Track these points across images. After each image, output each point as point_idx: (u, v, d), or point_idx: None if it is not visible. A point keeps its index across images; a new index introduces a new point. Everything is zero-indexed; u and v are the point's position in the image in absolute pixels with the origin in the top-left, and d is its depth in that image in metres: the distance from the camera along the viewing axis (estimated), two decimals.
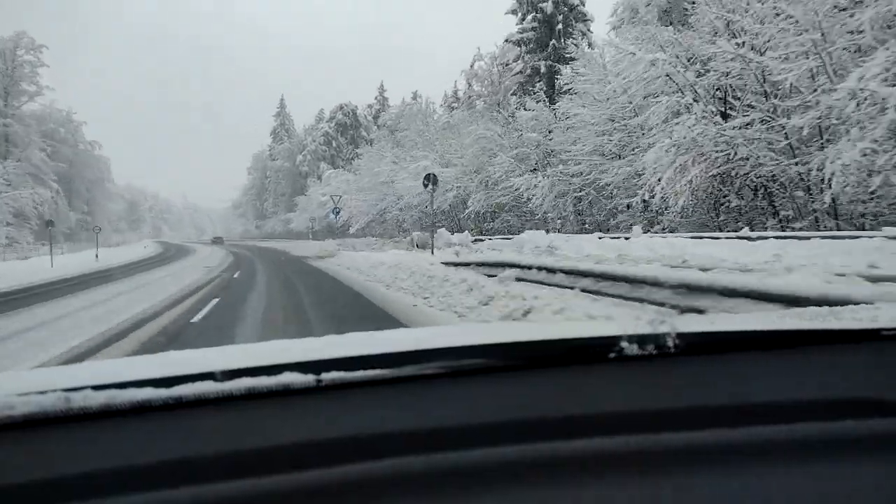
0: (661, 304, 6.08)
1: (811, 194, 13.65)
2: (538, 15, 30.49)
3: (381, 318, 7.68)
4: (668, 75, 16.46)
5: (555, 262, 10.17)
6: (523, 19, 31.34)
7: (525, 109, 23.57)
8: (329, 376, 0.79)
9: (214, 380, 0.77)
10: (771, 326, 1.13)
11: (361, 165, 40.06)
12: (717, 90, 16.35)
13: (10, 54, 53.17)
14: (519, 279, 9.49)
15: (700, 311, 5.20)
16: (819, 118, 12.42)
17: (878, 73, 10.20)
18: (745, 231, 13.14)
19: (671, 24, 20.15)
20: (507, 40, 32.41)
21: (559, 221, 21.27)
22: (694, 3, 17.00)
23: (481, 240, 21.36)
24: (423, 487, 0.66)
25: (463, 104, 40.07)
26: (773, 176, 14.43)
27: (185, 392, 0.75)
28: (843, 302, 3.51)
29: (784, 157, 14.01)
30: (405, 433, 0.75)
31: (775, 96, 14.12)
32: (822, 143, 12.90)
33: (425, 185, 16.71)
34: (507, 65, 32.38)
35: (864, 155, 10.54)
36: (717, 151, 14.40)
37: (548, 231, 21.55)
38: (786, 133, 13.76)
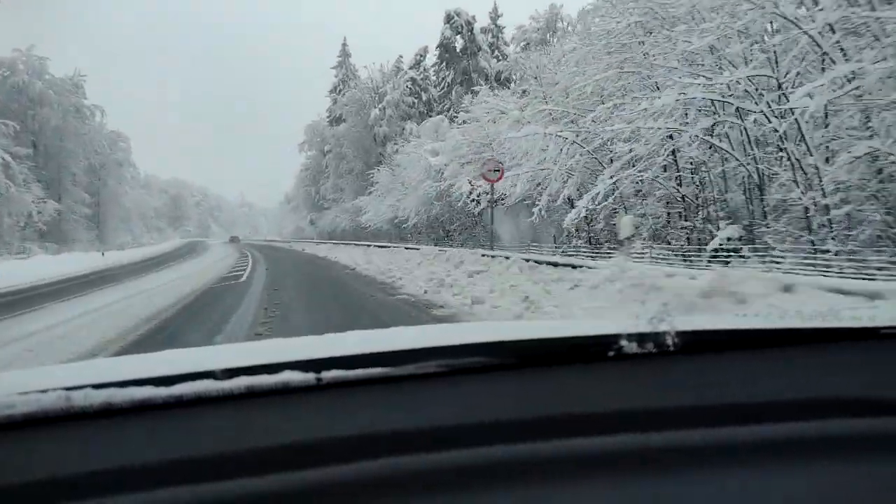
0: None
1: None
2: None
3: None
4: None
5: None
6: None
7: None
8: (329, 375, 0.79)
9: (214, 378, 0.77)
10: (771, 325, 1.10)
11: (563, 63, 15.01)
12: None
13: None
14: None
15: None
16: None
17: None
18: None
19: None
20: None
21: None
22: None
23: None
24: (423, 486, 0.66)
25: None
26: None
27: (186, 391, 0.75)
28: None
29: None
30: (405, 432, 0.75)
31: None
32: None
33: None
34: None
35: None
36: None
37: None
38: None
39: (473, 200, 19.96)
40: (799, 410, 0.80)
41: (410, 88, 43.84)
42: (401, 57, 46.51)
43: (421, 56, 47.48)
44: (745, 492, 0.67)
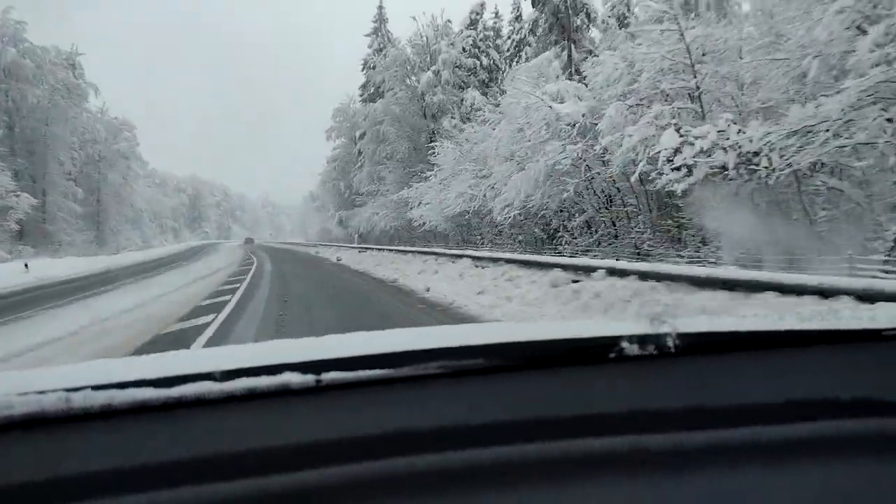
0: None
1: None
2: None
3: None
4: None
5: None
6: None
7: None
8: (329, 376, 0.79)
9: (214, 380, 0.77)
10: (771, 327, 1.08)
11: None
12: None
13: None
14: None
15: None
16: None
17: None
18: None
19: None
20: None
21: None
22: None
23: None
24: (423, 488, 0.66)
25: None
26: None
27: (185, 392, 0.76)
28: None
29: None
30: (405, 433, 0.75)
31: None
32: None
33: None
34: None
35: None
36: None
37: None
38: None
39: (679, 168, 9.97)
40: (800, 412, 0.80)
41: (469, 51, 34.09)
42: (449, 21, 36.71)
43: (477, 14, 37.74)
44: (747, 493, 0.67)
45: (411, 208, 27.99)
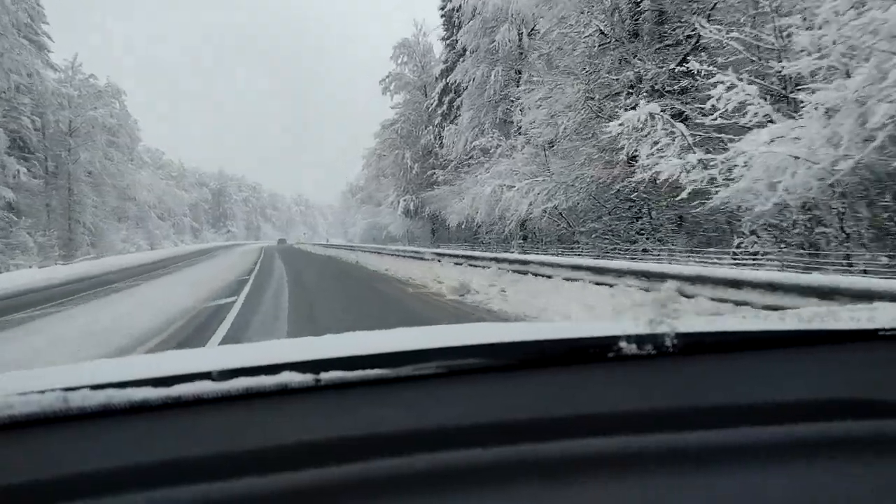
0: None
1: None
2: None
3: None
4: None
5: None
6: None
7: None
8: (328, 376, 0.80)
9: (212, 379, 0.77)
10: (769, 327, 1.09)
11: None
12: None
13: None
14: None
15: None
16: None
17: None
18: None
19: None
20: None
21: None
22: None
23: None
24: (422, 487, 0.66)
25: None
26: None
27: (184, 392, 0.76)
28: None
29: None
30: (404, 433, 0.75)
31: None
32: None
33: None
34: None
35: None
36: None
37: None
38: None
39: None
40: (798, 412, 0.80)
41: None
42: None
43: None
44: (745, 493, 0.67)
45: (643, 159, 10.53)
